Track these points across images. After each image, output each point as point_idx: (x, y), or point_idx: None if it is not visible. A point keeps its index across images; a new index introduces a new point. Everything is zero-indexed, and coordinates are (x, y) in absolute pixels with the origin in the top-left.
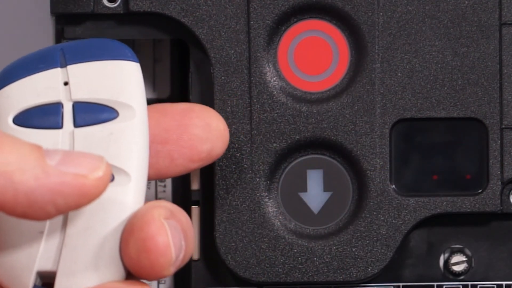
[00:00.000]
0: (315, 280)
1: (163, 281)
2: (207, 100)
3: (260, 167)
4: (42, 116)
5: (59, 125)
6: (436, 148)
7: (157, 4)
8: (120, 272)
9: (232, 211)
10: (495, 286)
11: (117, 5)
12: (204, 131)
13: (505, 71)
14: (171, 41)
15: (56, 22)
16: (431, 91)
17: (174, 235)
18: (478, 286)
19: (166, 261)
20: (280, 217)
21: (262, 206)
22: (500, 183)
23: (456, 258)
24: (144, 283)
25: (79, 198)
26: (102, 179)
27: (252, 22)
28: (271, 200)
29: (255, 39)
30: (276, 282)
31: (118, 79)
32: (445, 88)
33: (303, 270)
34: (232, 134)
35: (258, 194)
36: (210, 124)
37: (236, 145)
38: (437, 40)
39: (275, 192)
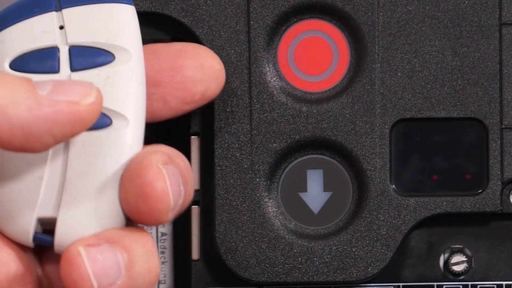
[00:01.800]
0: (315, 280)
1: (163, 281)
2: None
3: (260, 167)
4: (38, 61)
5: (55, 69)
6: (436, 148)
7: (157, 4)
8: (120, 218)
9: (232, 211)
10: (495, 286)
11: None
12: (197, 72)
13: (505, 71)
14: (171, 41)
15: None
16: (431, 91)
17: (172, 181)
18: (478, 286)
19: (164, 207)
20: (280, 217)
21: (262, 206)
22: (500, 183)
23: (456, 258)
24: (144, 230)
25: (74, 125)
26: (94, 104)
27: (252, 22)
28: (271, 200)
29: (255, 39)
30: (276, 282)
31: (114, 23)
32: (445, 88)
33: (303, 270)
34: (232, 134)
35: (258, 194)
36: (204, 64)
37: (236, 145)
38: (437, 40)
39: (275, 192)
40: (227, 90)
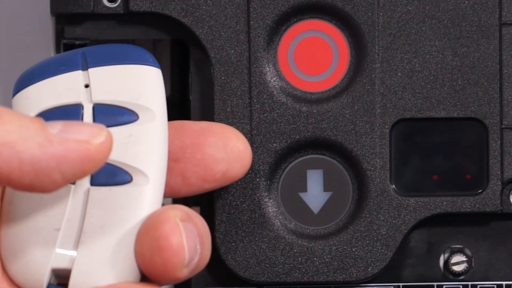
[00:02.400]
0: (315, 280)
1: None
2: (207, 100)
3: (260, 167)
4: (62, 117)
5: None
6: (436, 148)
7: (157, 4)
8: (135, 273)
9: (232, 211)
10: (495, 286)
11: (117, 5)
12: (219, 151)
13: (505, 71)
14: (171, 41)
15: (56, 22)
16: (431, 91)
17: (189, 237)
18: (478, 286)
19: (179, 261)
20: (280, 217)
21: (262, 206)
22: (500, 183)
23: (456, 258)
24: (158, 286)
25: (84, 164)
26: (105, 144)
27: (252, 22)
28: (271, 200)
29: (255, 39)
30: (276, 282)
31: (139, 83)
32: (445, 88)
33: (303, 270)
34: None
35: (258, 194)
36: (227, 144)
37: None
38: (437, 40)
39: (275, 192)
40: (227, 90)
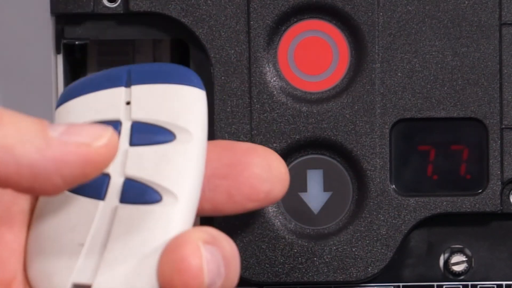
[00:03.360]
0: (315, 280)
1: None
2: (207, 100)
3: None
4: None
5: None
6: (436, 148)
7: (157, 4)
8: None
9: None
10: (495, 286)
11: (117, 5)
12: (264, 171)
13: (505, 71)
14: (171, 41)
15: (56, 22)
16: (431, 91)
17: (211, 260)
18: (478, 286)
19: (198, 284)
20: (280, 217)
21: None
22: (500, 183)
23: (456, 258)
24: None
25: (84, 167)
26: (107, 146)
27: (252, 22)
28: None
29: (255, 39)
30: (276, 282)
31: (179, 103)
32: (445, 88)
33: (303, 270)
34: (232, 134)
35: None
36: (271, 165)
37: None
38: (437, 40)
39: None
40: (227, 90)
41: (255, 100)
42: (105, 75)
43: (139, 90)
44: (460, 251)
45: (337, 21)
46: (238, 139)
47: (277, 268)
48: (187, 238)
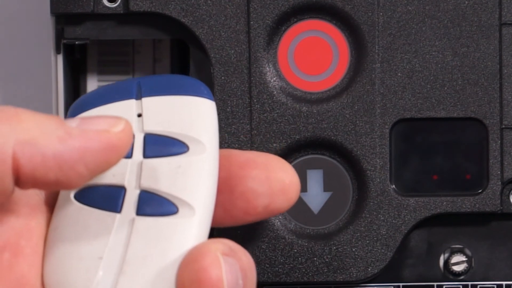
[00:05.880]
0: (315, 280)
1: None
2: None
3: None
4: None
5: (128, 155)
6: (436, 148)
7: (157, 4)
8: None
9: None
10: (495, 286)
11: (117, 5)
12: (261, 184)
13: (505, 71)
14: (171, 41)
15: (56, 22)
16: (431, 91)
17: (229, 271)
18: (478, 286)
19: None
20: (280, 217)
21: None
22: (500, 183)
23: (456, 258)
24: None
25: (107, 153)
26: (124, 131)
27: (252, 22)
28: None
29: (255, 39)
30: (276, 282)
31: (191, 114)
32: (445, 88)
33: (303, 270)
34: (232, 134)
35: None
36: (270, 177)
37: (236, 145)
38: (437, 40)
39: None
40: (227, 90)
41: (255, 100)
42: (114, 88)
43: (149, 102)
44: (460, 251)
45: (337, 21)
46: (238, 139)
47: (277, 268)
48: (206, 249)
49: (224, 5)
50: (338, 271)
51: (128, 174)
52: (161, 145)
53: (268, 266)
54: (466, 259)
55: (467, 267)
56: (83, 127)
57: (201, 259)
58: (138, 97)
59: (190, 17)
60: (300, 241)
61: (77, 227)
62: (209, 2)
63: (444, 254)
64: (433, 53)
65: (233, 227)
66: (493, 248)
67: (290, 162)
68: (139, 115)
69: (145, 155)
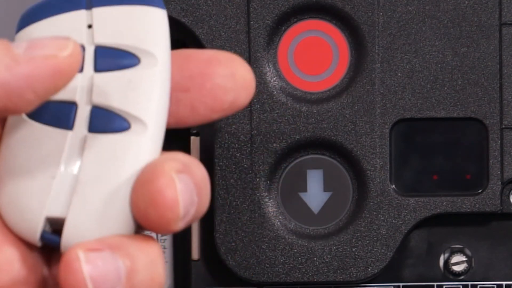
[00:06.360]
0: (315, 280)
1: None
2: None
3: (260, 167)
4: None
5: (79, 69)
6: (436, 148)
7: None
8: (129, 224)
9: (232, 211)
10: (495, 286)
11: None
12: (228, 80)
13: (505, 71)
14: (171, 41)
15: None
16: (431, 91)
17: (184, 190)
18: (478, 286)
19: (173, 216)
20: (280, 217)
21: (262, 206)
22: (500, 183)
23: (456, 258)
24: (152, 239)
25: (55, 79)
26: (73, 55)
27: (252, 22)
28: (271, 200)
29: (255, 39)
30: (276, 282)
31: (143, 25)
32: (445, 88)
33: (303, 270)
34: (232, 134)
35: (258, 194)
36: (235, 73)
37: (236, 145)
38: (437, 40)
39: (275, 192)
40: None
41: (255, 100)
42: None
43: (100, 13)
44: (460, 251)
45: (337, 21)
46: (238, 139)
47: (277, 268)
48: (160, 168)
49: (224, 5)
50: (338, 271)
51: (79, 89)
52: (112, 58)
53: (268, 266)
54: (466, 259)
55: (467, 267)
56: (30, 53)
57: (156, 180)
58: (89, 7)
59: (190, 17)
60: (300, 241)
61: (29, 145)
62: (209, 2)
63: (444, 254)
64: (433, 53)
65: (235, 230)
66: (493, 248)
67: (290, 162)
68: (89, 26)
69: (96, 69)
